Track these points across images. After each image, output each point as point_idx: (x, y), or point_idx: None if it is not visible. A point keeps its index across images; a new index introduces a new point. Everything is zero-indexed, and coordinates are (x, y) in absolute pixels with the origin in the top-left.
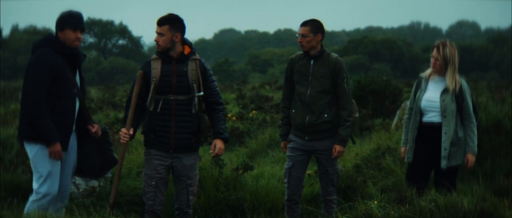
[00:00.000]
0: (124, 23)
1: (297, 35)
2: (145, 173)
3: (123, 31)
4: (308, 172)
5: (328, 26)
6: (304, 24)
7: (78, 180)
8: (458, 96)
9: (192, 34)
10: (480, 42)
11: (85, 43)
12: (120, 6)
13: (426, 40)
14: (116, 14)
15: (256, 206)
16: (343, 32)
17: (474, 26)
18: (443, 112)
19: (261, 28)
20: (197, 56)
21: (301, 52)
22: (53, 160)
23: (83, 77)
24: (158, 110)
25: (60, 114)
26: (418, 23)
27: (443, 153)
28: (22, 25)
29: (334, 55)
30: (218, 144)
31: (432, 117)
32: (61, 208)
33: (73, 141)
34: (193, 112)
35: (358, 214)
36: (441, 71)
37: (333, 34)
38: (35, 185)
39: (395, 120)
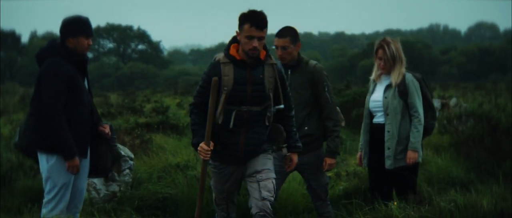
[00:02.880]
0: (143, 28)
1: (273, 47)
2: (214, 185)
3: (142, 36)
4: (329, 174)
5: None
6: (282, 35)
7: (99, 185)
8: (402, 92)
9: (211, 38)
10: (499, 44)
11: (105, 48)
12: (138, 11)
13: (445, 42)
14: (134, 19)
15: (277, 209)
16: (363, 35)
17: (493, 27)
18: (386, 109)
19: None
20: (273, 60)
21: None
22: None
23: (89, 80)
24: (230, 123)
25: (78, 122)
26: (437, 25)
27: (387, 152)
28: (40, 31)
29: (313, 63)
30: (294, 158)
31: (379, 117)
32: (76, 214)
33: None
34: (267, 123)
35: (378, 215)
36: (389, 70)
37: (353, 37)
38: (48, 196)
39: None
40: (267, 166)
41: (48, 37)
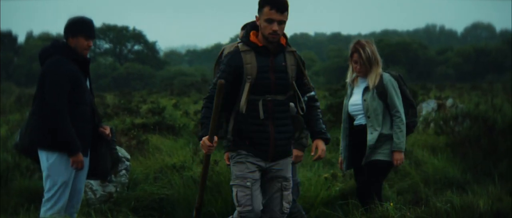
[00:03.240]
0: (139, 28)
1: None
2: (236, 176)
3: (138, 36)
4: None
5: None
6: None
7: (95, 186)
8: (381, 93)
9: (207, 39)
10: (496, 44)
11: (101, 49)
12: (134, 12)
13: (442, 43)
14: (130, 19)
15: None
16: (359, 36)
17: (489, 28)
18: (367, 112)
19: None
20: (292, 47)
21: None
22: (70, 169)
23: (91, 80)
24: (260, 113)
25: (80, 120)
26: (433, 26)
27: (367, 152)
28: (36, 32)
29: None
30: (320, 145)
31: (360, 119)
32: (73, 214)
33: None
34: (293, 113)
35: (374, 216)
36: (366, 73)
37: (349, 38)
38: (47, 194)
39: None
40: (291, 174)
41: (44, 37)
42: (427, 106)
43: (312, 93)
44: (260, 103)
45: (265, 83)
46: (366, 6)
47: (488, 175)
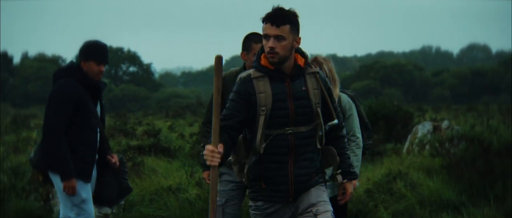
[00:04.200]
0: (134, 50)
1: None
2: None
3: (133, 58)
4: None
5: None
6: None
7: None
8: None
9: (202, 61)
10: (491, 65)
11: None
12: (129, 33)
13: (438, 64)
14: (125, 41)
15: None
16: (355, 57)
17: (485, 49)
18: None
19: None
20: (314, 68)
21: (235, 70)
22: (85, 186)
23: (103, 107)
24: (271, 150)
25: (83, 144)
26: (429, 47)
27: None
28: (32, 52)
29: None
30: (348, 188)
31: None
32: None
33: (93, 171)
34: (319, 146)
35: None
36: None
37: (345, 59)
38: (70, 214)
39: (407, 144)
40: (323, 198)
41: (40, 58)
42: (423, 128)
43: (335, 121)
44: (272, 138)
45: (283, 114)
46: (362, 27)
47: (484, 196)
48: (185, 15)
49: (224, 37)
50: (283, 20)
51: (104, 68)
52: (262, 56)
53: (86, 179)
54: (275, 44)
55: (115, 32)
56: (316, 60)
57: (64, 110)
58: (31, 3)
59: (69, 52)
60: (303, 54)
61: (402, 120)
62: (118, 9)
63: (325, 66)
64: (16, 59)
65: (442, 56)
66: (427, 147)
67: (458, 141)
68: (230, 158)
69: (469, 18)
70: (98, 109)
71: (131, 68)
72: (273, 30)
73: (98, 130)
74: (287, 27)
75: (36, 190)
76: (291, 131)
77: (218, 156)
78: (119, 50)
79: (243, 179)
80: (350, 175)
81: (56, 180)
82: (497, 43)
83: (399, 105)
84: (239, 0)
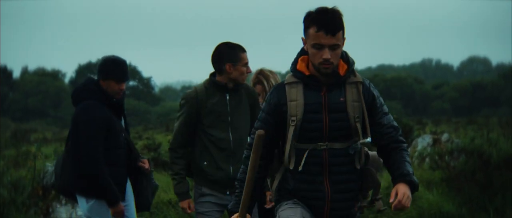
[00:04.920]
0: (134, 64)
1: (244, 65)
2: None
3: (132, 72)
4: None
5: None
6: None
7: None
8: None
9: (202, 75)
10: (491, 78)
11: None
12: (129, 47)
13: (438, 77)
14: (125, 55)
15: None
16: (355, 71)
17: (485, 62)
18: None
19: (273, 68)
20: (358, 76)
21: (202, 84)
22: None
23: (126, 116)
24: (303, 167)
25: (113, 165)
26: (429, 60)
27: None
28: (32, 67)
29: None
30: (401, 188)
31: None
32: None
33: (128, 187)
34: (358, 166)
35: None
36: None
37: None
38: None
39: None
40: None
41: (40, 72)
42: (423, 142)
43: (367, 139)
44: (307, 154)
45: (315, 127)
46: (362, 41)
47: (484, 209)
48: (185, 30)
49: None
50: (338, 27)
51: (124, 86)
52: (299, 60)
53: (122, 198)
54: (331, 54)
55: (115, 46)
56: (262, 73)
57: (98, 136)
58: (31, 17)
59: (68, 67)
60: (347, 60)
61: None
62: (117, 23)
63: (272, 79)
64: (16, 74)
65: (442, 69)
66: (427, 160)
67: (458, 154)
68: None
69: (469, 31)
70: (122, 121)
71: (131, 83)
72: (328, 40)
73: (126, 143)
74: (340, 34)
75: (36, 205)
76: (324, 147)
77: None
78: None
79: (271, 197)
80: (405, 176)
81: (82, 202)
82: (497, 56)
83: (398, 119)
84: (239, 14)
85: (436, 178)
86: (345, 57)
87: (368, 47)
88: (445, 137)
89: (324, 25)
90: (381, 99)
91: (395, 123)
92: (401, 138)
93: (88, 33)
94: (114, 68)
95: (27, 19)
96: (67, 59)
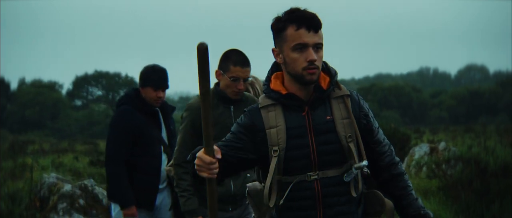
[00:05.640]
0: (131, 75)
1: (231, 78)
2: None
3: (130, 83)
4: None
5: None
6: (247, 63)
7: None
8: None
9: (195, 88)
10: (489, 86)
11: (93, 96)
12: (126, 58)
13: (435, 85)
14: (123, 66)
15: None
16: (353, 80)
17: (483, 69)
18: None
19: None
20: (344, 88)
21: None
22: (147, 215)
23: (171, 130)
24: (291, 204)
25: (143, 172)
26: (427, 69)
27: None
28: (29, 78)
29: (249, 95)
30: None
31: None
32: None
33: (166, 199)
34: (355, 194)
35: None
36: None
37: (343, 82)
38: None
39: (404, 166)
40: None
41: (37, 84)
42: (420, 150)
43: (363, 163)
44: (292, 186)
45: (302, 154)
46: (360, 50)
47: (481, 217)
48: (182, 40)
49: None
50: (320, 22)
51: (163, 93)
52: (272, 77)
53: (149, 207)
54: (316, 55)
55: (112, 57)
56: (249, 82)
57: (122, 139)
58: (28, 29)
59: (66, 78)
60: (328, 70)
61: (399, 142)
62: (115, 35)
63: (257, 85)
64: (13, 85)
65: (440, 77)
66: (424, 168)
67: (455, 162)
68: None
69: (466, 39)
70: (164, 133)
71: None
72: (311, 37)
73: (165, 155)
74: (321, 32)
75: (33, 216)
76: (315, 177)
77: (215, 166)
78: (117, 75)
79: None
80: (421, 210)
81: (116, 209)
82: (494, 64)
83: (396, 128)
84: (237, 25)
85: (433, 186)
86: (326, 68)
87: (365, 56)
88: (442, 145)
89: (305, 20)
90: (372, 114)
91: (387, 142)
92: (396, 157)
93: (85, 44)
94: (151, 75)
95: (24, 31)
96: (64, 71)
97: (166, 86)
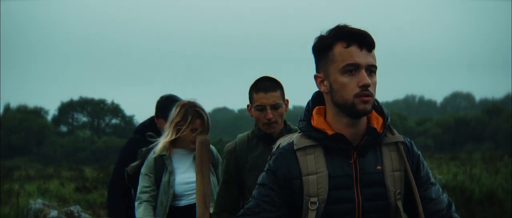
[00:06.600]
0: (117, 102)
1: (256, 108)
2: None
3: (115, 110)
4: None
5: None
6: (271, 87)
7: None
8: (214, 164)
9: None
10: (475, 113)
11: (79, 122)
12: (111, 85)
13: (421, 113)
14: (108, 93)
15: None
16: None
17: (468, 97)
18: None
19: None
20: (396, 134)
21: (245, 135)
22: None
23: None
24: None
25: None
26: (413, 96)
27: None
28: (14, 104)
29: (295, 128)
30: None
31: (193, 199)
32: None
33: None
34: None
35: None
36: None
37: None
38: None
39: None
40: None
41: (22, 110)
42: None
43: (438, 207)
44: None
45: (344, 210)
46: None
47: None
48: (168, 67)
49: (207, 89)
50: (373, 41)
51: None
52: (314, 113)
53: None
54: (370, 81)
55: (97, 84)
56: (197, 105)
57: (124, 167)
58: (13, 55)
59: (51, 104)
60: (381, 110)
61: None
62: (100, 61)
63: (206, 113)
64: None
65: (425, 105)
66: None
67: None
68: None
69: (452, 67)
70: None
71: (114, 120)
72: (364, 57)
73: None
74: (374, 54)
75: None
76: None
77: None
78: (102, 102)
79: None
80: None
81: None
82: (480, 91)
83: None
84: (224, 51)
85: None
86: (378, 106)
87: None
88: None
89: (356, 36)
90: (426, 163)
91: (445, 195)
92: (456, 215)
93: (70, 71)
94: (165, 107)
95: (9, 57)
96: (49, 97)
97: None
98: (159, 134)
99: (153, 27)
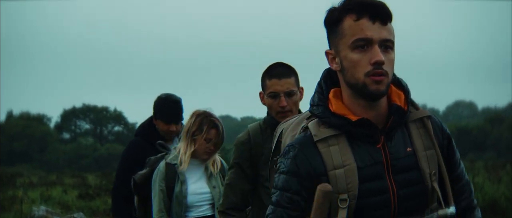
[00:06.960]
0: (119, 109)
1: (269, 95)
2: None
3: (118, 117)
4: None
5: None
6: (285, 73)
7: None
8: (224, 177)
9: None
10: (477, 122)
11: (81, 129)
12: (114, 92)
13: None
14: (110, 100)
15: None
16: None
17: (471, 106)
18: (218, 201)
19: (257, 115)
20: (421, 108)
21: (257, 125)
22: None
23: None
24: None
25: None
26: None
27: None
28: (16, 111)
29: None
30: None
31: (206, 210)
32: None
33: None
34: None
35: None
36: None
37: None
38: None
39: None
40: None
41: (25, 117)
42: None
43: (450, 209)
44: None
45: (379, 203)
46: None
47: None
48: (171, 75)
49: (210, 98)
50: (389, 12)
51: (175, 126)
52: (330, 96)
53: None
54: (384, 57)
55: (100, 91)
56: (213, 115)
57: (125, 171)
58: (15, 62)
59: (54, 111)
60: (400, 83)
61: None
62: (103, 69)
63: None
64: (1, 118)
65: None
66: None
67: None
68: None
69: (454, 76)
70: None
71: (116, 128)
72: (377, 31)
73: None
74: (391, 26)
75: None
76: None
77: None
78: (104, 109)
79: None
80: None
81: None
82: (483, 100)
83: None
84: (227, 59)
85: None
86: (396, 80)
87: None
88: None
89: (368, 8)
90: (454, 144)
91: (466, 175)
92: (474, 199)
93: (73, 78)
94: (162, 107)
95: (11, 64)
96: (52, 104)
97: (178, 121)
98: (159, 135)
99: (156, 34)
